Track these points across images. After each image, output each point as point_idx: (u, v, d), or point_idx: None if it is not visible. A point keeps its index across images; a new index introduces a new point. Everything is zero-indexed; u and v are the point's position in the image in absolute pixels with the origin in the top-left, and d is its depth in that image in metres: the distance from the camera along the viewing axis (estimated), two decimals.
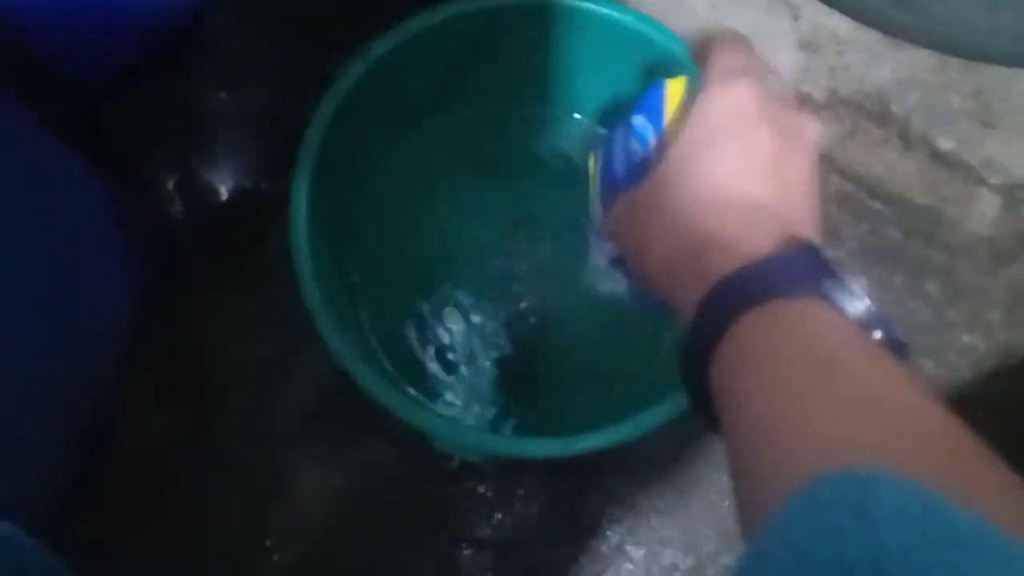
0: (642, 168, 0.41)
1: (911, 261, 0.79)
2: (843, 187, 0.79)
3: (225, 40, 0.87)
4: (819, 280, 0.30)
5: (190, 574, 0.74)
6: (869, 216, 0.79)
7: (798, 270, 0.30)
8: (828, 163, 0.79)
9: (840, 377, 0.27)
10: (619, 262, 0.47)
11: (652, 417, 0.51)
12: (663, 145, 0.40)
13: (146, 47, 0.78)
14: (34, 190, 0.59)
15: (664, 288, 0.36)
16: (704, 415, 0.32)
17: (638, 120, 0.42)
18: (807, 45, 0.76)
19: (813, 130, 0.37)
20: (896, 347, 0.30)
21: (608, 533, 0.74)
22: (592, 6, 0.63)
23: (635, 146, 0.43)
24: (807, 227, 0.34)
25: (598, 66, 0.68)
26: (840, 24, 0.76)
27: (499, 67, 0.70)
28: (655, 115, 0.41)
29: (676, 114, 0.40)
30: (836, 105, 0.77)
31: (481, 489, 0.75)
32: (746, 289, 0.30)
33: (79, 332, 0.67)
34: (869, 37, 0.76)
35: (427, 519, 0.74)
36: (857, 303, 0.29)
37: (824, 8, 0.76)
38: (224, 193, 0.84)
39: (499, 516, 0.74)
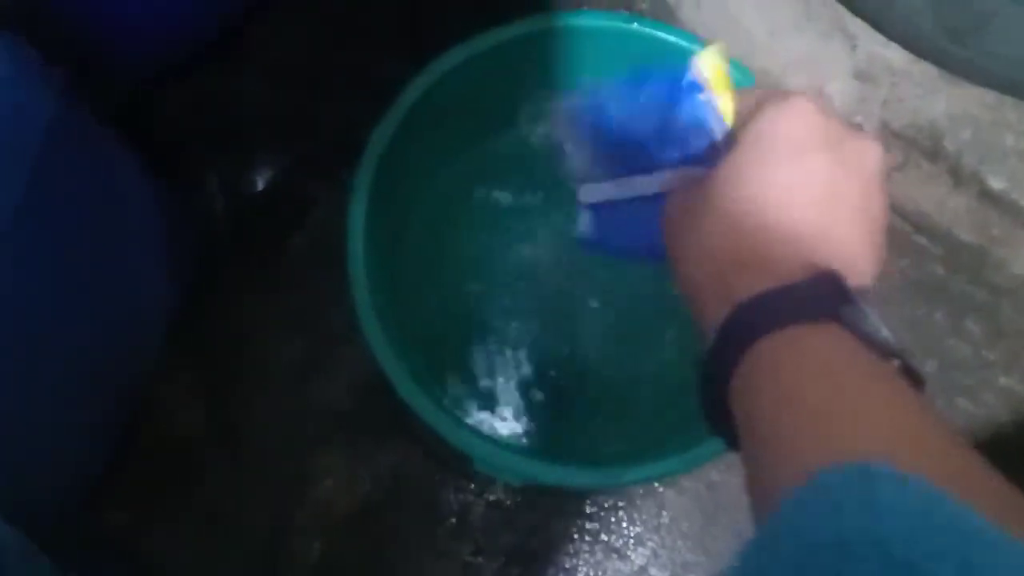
0: (703, 156, 0.40)
1: (953, 298, 0.78)
2: (890, 221, 0.79)
3: (271, 36, 0.87)
4: (837, 307, 0.30)
5: (213, 567, 0.75)
6: (914, 251, 0.79)
7: (816, 297, 0.30)
8: None
9: (849, 395, 0.28)
10: (595, 244, 0.46)
11: (699, 454, 0.51)
12: (718, 147, 0.39)
13: (194, 41, 0.79)
14: (88, 179, 0.60)
15: (692, 301, 0.36)
16: (720, 431, 0.33)
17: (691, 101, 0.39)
18: (862, 75, 0.76)
19: (874, 155, 0.35)
20: (913, 377, 0.30)
21: (633, 554, 0.73)
22: (648, 30, 0.63)
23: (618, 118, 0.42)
24: (849, 255, 0.33)
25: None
26: (896, 56, 0.75)
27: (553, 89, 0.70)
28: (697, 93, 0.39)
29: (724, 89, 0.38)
30: (888, 138, 0.76)
31: (508, 501, 0.75)
32: (764, 314, 0.31)
33: (119, 319, 0.68)
34: (925, 70, 0.75)
35: (452, 527, 0.74)
36: (875, 332, 0.30)
37: (881, 39, 0.75)
38: (264, 189, 0.84)
39: (525, 529, 0.74)
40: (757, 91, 0.39)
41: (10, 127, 0.48)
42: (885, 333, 0.30)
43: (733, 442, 0.33)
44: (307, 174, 0.84)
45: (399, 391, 0.53)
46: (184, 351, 0.78)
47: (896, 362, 0.30)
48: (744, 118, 0.37)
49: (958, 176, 0.75)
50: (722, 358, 0.31)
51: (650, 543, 0.74)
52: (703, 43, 0.61)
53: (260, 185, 0.84)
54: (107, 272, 0.65)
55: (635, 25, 0.63)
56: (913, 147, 0.76)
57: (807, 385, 0.28)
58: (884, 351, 0.30)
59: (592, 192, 0.45)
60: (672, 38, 0.63)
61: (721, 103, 0.39)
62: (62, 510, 0.68)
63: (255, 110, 0.84)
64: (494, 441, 0.52)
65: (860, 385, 0.28)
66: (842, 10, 0.74)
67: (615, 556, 0.74)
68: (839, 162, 0.34)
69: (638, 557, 0.73)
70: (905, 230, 0.79)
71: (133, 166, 0.65)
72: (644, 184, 0.42)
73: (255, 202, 0.84)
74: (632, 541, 0.74)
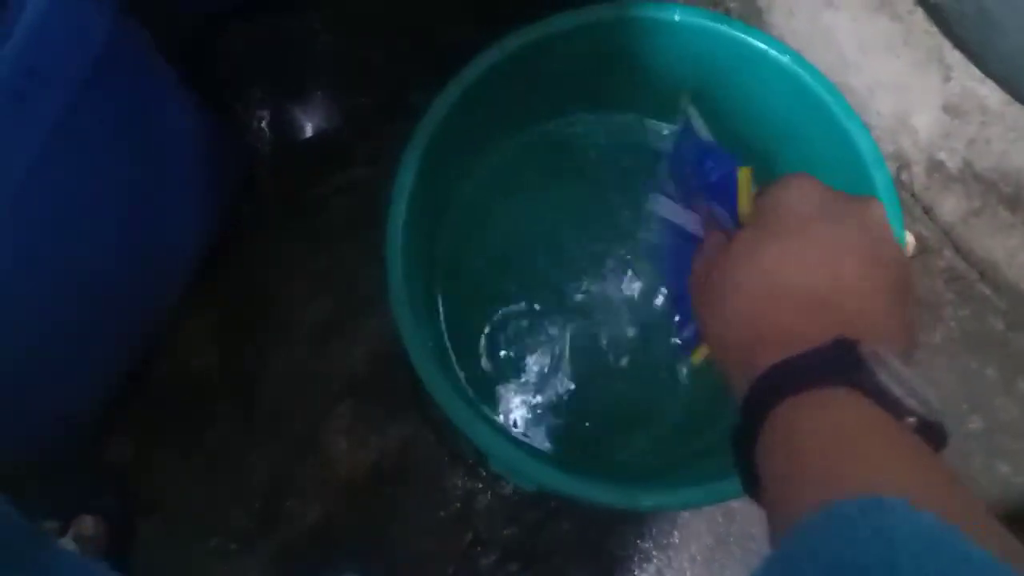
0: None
1: (1009, 356, 0.74)
2: (956, 265, 0.75)
3: None
4: (848, 371, 0.31)
5: (209, 514, 0.73)
6: (976, 300, 0.75)
7: (826, 363, 0.32)
8: (946, 237, 0.75)
9: (860, 449, 0.29)
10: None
11: (723, 488, 0.48)
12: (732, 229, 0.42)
13: None
14: (135, 105, 0.57)
15: (721, 366, 0.38)
16: (752, 492, 0.34)
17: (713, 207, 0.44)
18: (952, 109, 0.72)
19: (876, 212, 0.37)
20: (934, 434, 0.30)
21: (636, 569, 0.71)
22: (735, 32, 0.59)
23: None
24: (869, 312, 0.34)
25: (702, 77, 0.64)
26: (991, 94, 0.71)
27: (613, 78, 0.67)
28: (728, 199, 0.42)
29: (746, 199, 0.41)
30: (968, 179, 0.72)
31: (516, 495, 0.72)
32: (778, 383, 0.32)
33: (147, 247, 0.66)
34: (1018, 114, 0.71)
35: (455, 512, 0.72)
36: (889, 392, 0.30)
37: (978, 75, 0.71)
38: (312, 136, 0.82)
39: (528, 526, 0.72)
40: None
41: (60, 48, 0.46)
42: (898, 392, 0.30)
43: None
44: (357, 129, 0.81)
45: (420, 374, 0.50)
46: (207, 295, 0.76)
47: (912, 420, 0.30)
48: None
49: None
50: (747, 428, 0.33)
51: (656, 561, 0.71)
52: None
53: (308, 132, 0.81)
54: (142, 199, 0.63)
55: (723, 26, 0.60)
56: (993, 192, 0.72)
57: (819, 444, 0.30)
58: (899, 410, 0.30)
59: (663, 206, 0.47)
60: (760, 44, 0.59)
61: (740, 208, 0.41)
62: (66, 440, 0.67)
63: (315, 58, 0.81)
64: (514, 442, 0.50)
65: (870, 440, 0.29)
66: (942, 39, 0.70)
67: (617, 567, 0.71)
68: (842, 226, 0.36)
69: (641, 573, 0.71)
70: (970, 277, 0.75)
71: (184, 98, 0.62)
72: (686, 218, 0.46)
73: (301, 149, 0.81)
74: (639, 556, 0.71)
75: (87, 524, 0.69)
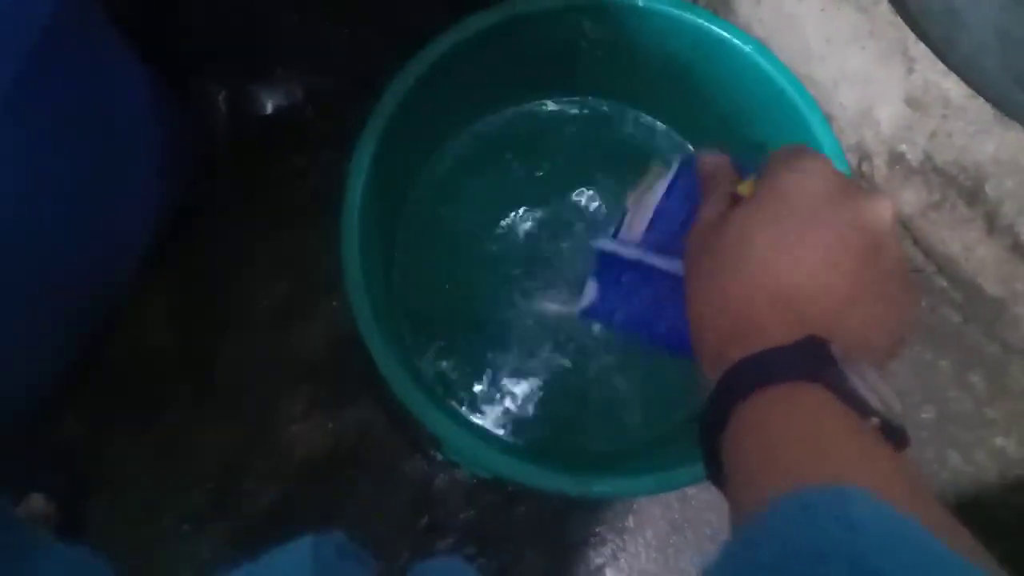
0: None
1: (963, 348, 0.75)
2: (914, 257, 0.76)
3: None
4: (819, 370, 0.31)
5: (162, 494, 0.72)
6: (933, 293, 0.76)
7: (798, 360, 0.32)
8: (905, 229, 0.75)
9: (823, 444, 0.29)
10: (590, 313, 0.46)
11: (676, 476, 0.48)
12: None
13: None
14: (87, 78, 0.56)
15: (696, 347, 0.37)
16: (715, 479, 0.35)
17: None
18: (914, 102, 0.72)
19: (887, 212, 0.35)
20: (894, 435, 0.31)
21: (591, 552, 0.71)
22: (700, 20, 0.59)
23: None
24: (846, 324, 0.33)
25: (666, 64, 0.64)
26: (953, 88, 0.71)
27: (580, 63, 0.66)
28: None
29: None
30: (928, 171, 0.72)
31: (472, 480, 0.72)
32: (749, 375, 0.33)
33: (102, 223, 0.64)
34: (980, 109, 0.71)
35: (411, 496, 0.72)
36: (856, 393, 0.31)
37: (941, 68, 0.71)
38: (274, 117, 0.80)
39: (484, 510, 0.72)
40: (774, 152, 0.39)
41: (8, 17, 0.45)
42: (864, 393, 0.31)
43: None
44: (318, 110, 0.80)
45: (376, 360, 0.50)
46: (165, 274, 0.75)
47: (875, 420, 0.30)
48: (761, 171, 0.38)
49: (993, 224, 0.72)
50: (714, 416, 0.33)
51: (611, 545, 0.72)
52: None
53: (270, 111, 0.80)
54: (97, 175, 0.61)
55: (686, 14, 0.59)
56: (952, 186, 0.72)
57: (786, 436, 0.30)
58: (864, 410, 0.31)
59: (609, 244, 0.45)
60: (725, 34, 0.58)
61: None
62: (15, 418, 0.65)
63: (279, 35, 0.80)
64: (469, 429, 0.49)
65: (835, 436, 0.30)
66: (907, 32, 0.70)
67: (573, 552, 0.72)
68: (845, 223, 0.34)
69: (597, 556, 0.71)
70: (928, 270, 0.75)
71: (140, 71, 0.61)
72: (661, 261, 0.43)
73: (262, 128, 0.80)
74: (594, 540, 0.72)
75: (37, 502, 0.68)
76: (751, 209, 0.36)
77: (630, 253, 0.44)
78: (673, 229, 0.44)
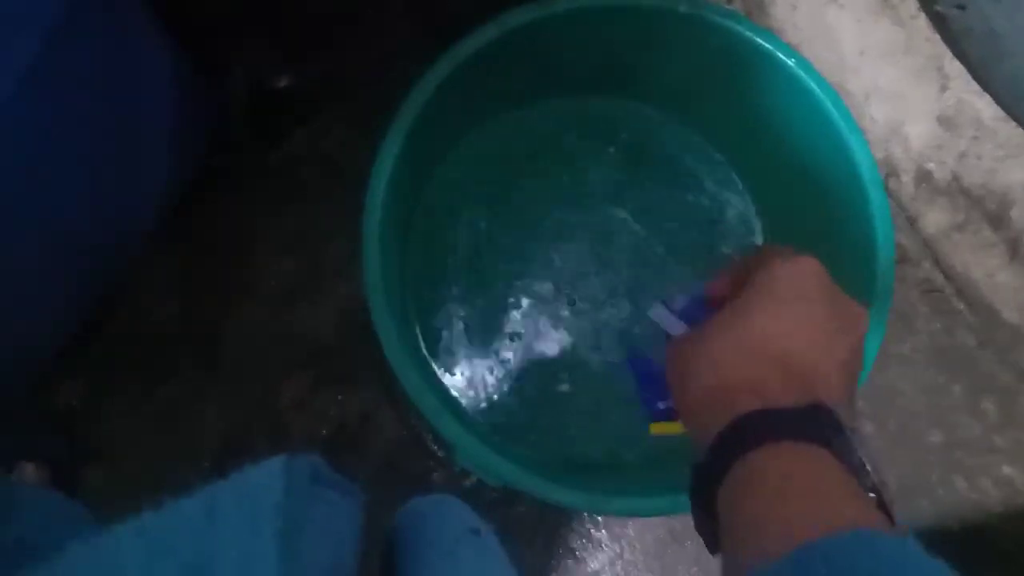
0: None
1: (976, 374, 0.74)
2: (933, 277, 0.75)
3: None
4: (831, 435, 0.33)
5: (157, 465, 0.71)
6: (949, 315, 0.75)
7: (812, 422, 0.33)
8: (927, 248, 0.74)
9: (831, 502, 0.30)
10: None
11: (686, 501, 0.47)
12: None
13: None
14: (107, 48, 0.55)
15: (692, 419, 0.39)
16: (702, 528, 0.36)
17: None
18: (945, 121, 0.71)
19: (865, 322, 0.39)
20: (888, 514, 0.32)
21: (588, 558, 0.71)
22: (730, 24, 0.57)
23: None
24: (833, 393, 0.36)
25: (701, 70, 0.63)
26: (986, 109, 0.70)
27: (614, 64, 0.65)
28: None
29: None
30: (955, 192, 0.71)
31: (472, 476, 0.71)
32: (754, 432, 0.34)
33: (114, 191, 0.63)
34: (1012, 132, 0.70)
35: (410, 494, 0.71)
36: (860, 464, 0.32)
37: (976, 88, 0.70)
38: (292, 95, 0.79)
39: (483, 508, 0.71)
40: (765, 246, 0.44)
41: None
42: (868, 466, 0.32)
43: (714, 546, 0.35)
44: (338, 89, 0.79)
45: (395, 370, 0.49)
46: (174, 246, 0.74)
47: (867, 479, 0.32)
48: (751, 265, 0.41)
49: (1016, 250, 0.71)
50: (717, 460, 0.34)
51: (609, 551, 0.71)
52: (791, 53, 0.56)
53: (289, 89, 0.78)
54: (115, 145, 0.60)
55: (730, 22, 0.57)
56: (977, 208, 0.71)
57: (798, 488, 0.31)
58: (863, 479, 0.32)
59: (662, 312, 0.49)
60: (766, 45, 0.57)
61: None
62: (14, 385, 0.64)
63: (301, 10, 0.78)
64: (481, 438, 0.48)
65: (844, 493, 0.31)
66: (944, 48, 0.69)
67: (570, 556, 0.71)
68: (836, 317, 0.38)
69: (593, 561, 0.71)
70: (947, 292, 0.74)
71: (159, 41, 0.60)
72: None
73: (280, 105, 0.78)
74: (591, 544, 0.71)
75: (28, 470, 0.67)
76: (747, 295, 0.39)
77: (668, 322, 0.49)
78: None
